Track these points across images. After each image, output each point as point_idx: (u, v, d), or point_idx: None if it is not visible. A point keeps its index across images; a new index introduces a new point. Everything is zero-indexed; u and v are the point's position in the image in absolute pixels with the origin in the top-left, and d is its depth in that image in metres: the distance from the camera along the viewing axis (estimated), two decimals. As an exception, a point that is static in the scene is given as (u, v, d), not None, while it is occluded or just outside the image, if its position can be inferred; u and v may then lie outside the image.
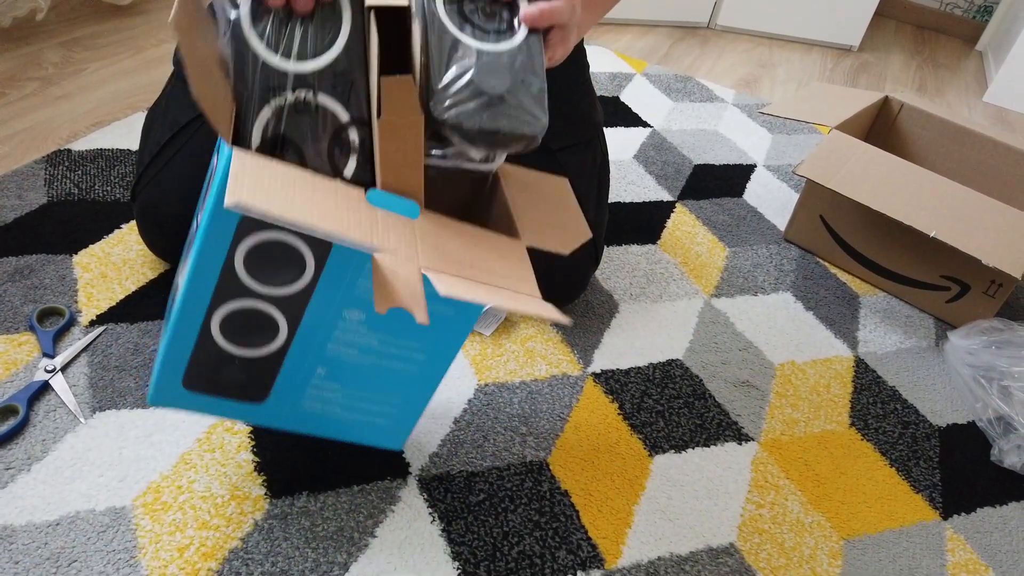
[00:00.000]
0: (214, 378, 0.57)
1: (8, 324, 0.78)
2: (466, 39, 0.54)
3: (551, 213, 0.63)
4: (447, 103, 0.52)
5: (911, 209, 0.98)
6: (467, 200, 0.64)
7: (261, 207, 0.45)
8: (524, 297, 0.53)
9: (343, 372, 0.60)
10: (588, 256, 0.90)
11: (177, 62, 0.87)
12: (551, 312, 0.51)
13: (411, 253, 0.51)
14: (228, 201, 0.44)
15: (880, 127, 1.28)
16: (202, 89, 0.48)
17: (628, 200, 1.21)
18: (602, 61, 1.68)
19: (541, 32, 0.57)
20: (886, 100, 1.25)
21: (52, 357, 0.74)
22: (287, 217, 0.46)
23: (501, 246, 0.57)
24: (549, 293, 0.90)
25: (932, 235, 0.94)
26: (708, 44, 1.94)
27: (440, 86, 0.52)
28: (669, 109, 1.53)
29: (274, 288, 0.53)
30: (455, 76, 0.53)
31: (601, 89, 1.56)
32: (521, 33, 0.55)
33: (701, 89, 1.65)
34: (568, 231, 0.62)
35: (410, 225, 0.53)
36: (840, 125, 1.11)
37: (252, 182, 0.47)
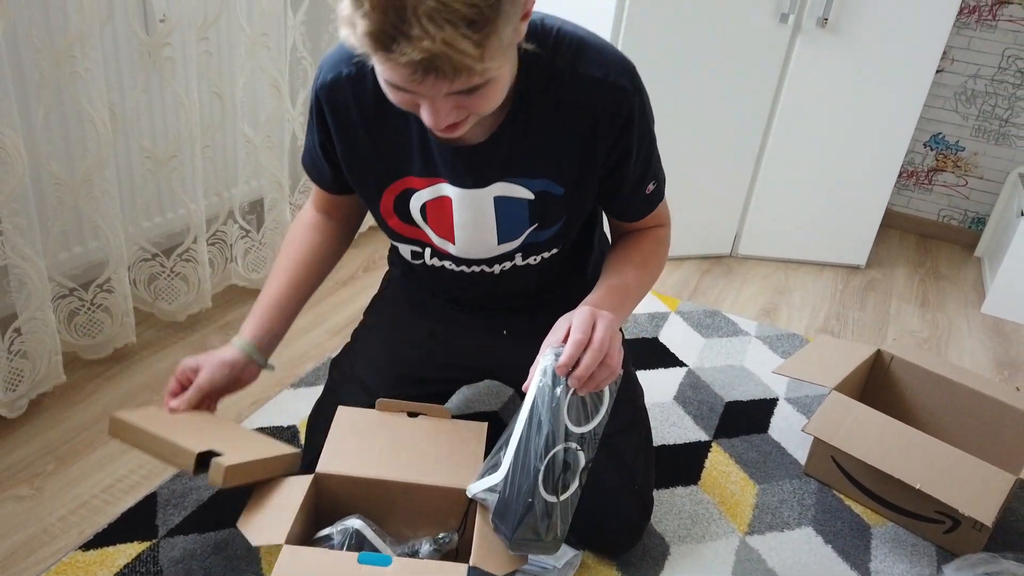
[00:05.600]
0: None
1: (218, 592, 1.06)
2: (542, 490, 0.81)
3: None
4: (477, 491, 0.84)
5: (900, 462, 1.22)
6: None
7: None
8: None
9: None
10: (640, 513, 1.15)
11: (333, 379, 1.20)
12: None
13: None
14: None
15: (876, 376, 1.55)
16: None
17: (671, 442, 1.48)
18: (642, 303, 2.00)
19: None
20: (879, 353, 1.52)
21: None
22: None
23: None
24: (607, 545, 1.15)
25: (917, 487, 1.18)
26: (732, 273, 2.27)
27: (483, 478, 0.84)
28: (701, 347, 1.83)
29: None
30: (500, 499, 0.82)
31: (641, 331, 1.87)
32: (573, 486, 0.83)
33: (727, 323, 1.95)
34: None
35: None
36: (839, 384, 1.38)
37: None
